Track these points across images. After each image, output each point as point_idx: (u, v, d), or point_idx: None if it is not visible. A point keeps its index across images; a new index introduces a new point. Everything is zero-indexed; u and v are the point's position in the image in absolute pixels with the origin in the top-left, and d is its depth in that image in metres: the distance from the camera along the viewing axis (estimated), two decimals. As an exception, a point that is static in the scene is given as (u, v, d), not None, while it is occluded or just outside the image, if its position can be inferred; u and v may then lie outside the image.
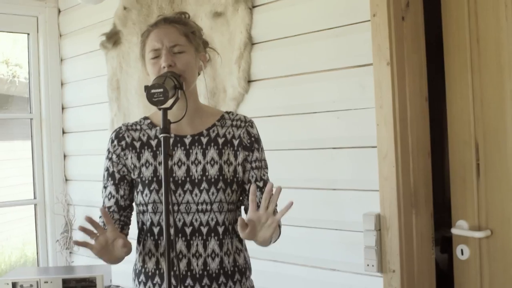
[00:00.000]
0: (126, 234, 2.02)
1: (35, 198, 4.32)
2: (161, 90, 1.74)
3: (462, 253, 2.49)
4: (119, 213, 2.00)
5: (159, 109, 1.77)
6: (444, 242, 2.82)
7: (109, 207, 2.00)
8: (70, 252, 4.19)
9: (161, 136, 1.74)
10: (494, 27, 2.38)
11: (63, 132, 4.36)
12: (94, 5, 3.89)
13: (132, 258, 2.05)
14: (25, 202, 4.38)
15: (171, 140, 1.98)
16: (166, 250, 1.70)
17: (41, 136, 4.31)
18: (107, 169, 2.03)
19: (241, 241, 2.05)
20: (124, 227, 2.02)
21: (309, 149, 2.76)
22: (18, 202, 4.41)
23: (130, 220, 2.05)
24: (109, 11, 3.77)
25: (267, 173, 2.07)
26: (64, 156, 4.36)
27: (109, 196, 2.01)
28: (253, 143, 2.03)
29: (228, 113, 2.09)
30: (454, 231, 2.50)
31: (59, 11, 4.34)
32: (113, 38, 3.72)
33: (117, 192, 2.00)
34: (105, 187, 2.04)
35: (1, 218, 4.63)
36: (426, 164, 2.57)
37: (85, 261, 4.12)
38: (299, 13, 2.78)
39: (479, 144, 2.44)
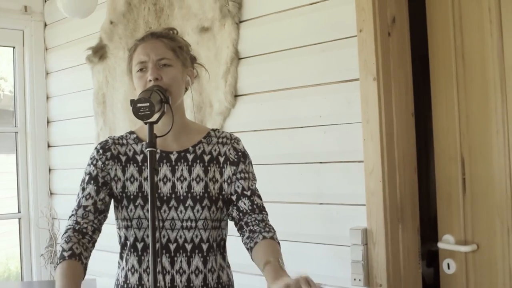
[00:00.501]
0: (95, 241, 1.96)
1: (19, 212, 4.27)
2: (147, 104, 1.73)
3: (448, 267, 2.50)
4: (95, 215, 1.94)
5: (145, 123, 1.76)
6: (430, 256, 2.83)
7: (86, 206, 1.94)
8: (55, 267, 4.13)
9: (147, 150, 1.72)
10: (479, 43, 2.40)
11: (48, 146, 4.33)
12: (80, 19, 3.87)
13: (115, 273, 2.04)
14: (9, 216, 4.33)
15: (157, 156, 1.97)
16: (152, 266, 1.68)
17: (26, 150, 4.27)
18: (90, 173, 1.99)
19: (224, 258, 2.05)
20: (95, 231, 1.95)
21: (296, 164, 2.76)
22: (2, 216, 4.35)
23: (101, 228, 1.99)
24: (95, 25, 3.77)
25: (255, 184, 2.05)
26: (49, 170, 4.32)
27: (87, 196, 1.95)
28: (240, 157, 2.03)
29: (214, 130, 2.09)
30: (440, 245, 2.51)
31: (45, 25, 4.32)
32: (99, 52, 3.71)
33: (97, 194, 1.96)
34: (83, 189, 1.98)
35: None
36: (412, 178, 2.58)
37: (69, 276, 4.08)
38: (285, 28, 2.80)
39: (464, 159, 2.46)
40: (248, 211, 1.99)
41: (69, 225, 1.93)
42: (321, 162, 2.68)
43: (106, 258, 3.72)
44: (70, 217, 1.96)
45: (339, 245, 2.60)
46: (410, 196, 2.56)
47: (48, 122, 4.33)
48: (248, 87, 2.96)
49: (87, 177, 2.00)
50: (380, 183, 2.44)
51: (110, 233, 3.68)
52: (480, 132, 2.41)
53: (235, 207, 2.00)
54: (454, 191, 2.49)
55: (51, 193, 4.29)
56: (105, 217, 2.01)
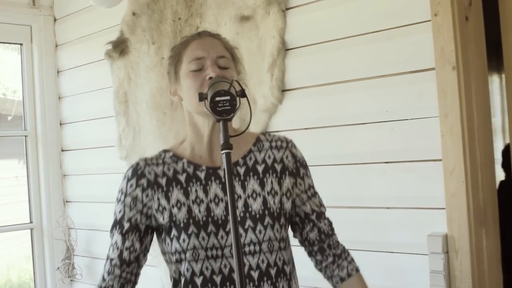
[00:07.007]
0: None
1: (31, 222, 3.96)
2: (228, 97, 1.46)
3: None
4: (121, 268, 1.69)
5: (218, 120, 1.47)
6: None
7: (112, 260, 1.70)
8: (71, 280, 3.85)
9: (222, 152, 1.42)
10: None
11: (62, 150, 4.02)
12: (94, 13, 3.62)
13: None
14: (20, 226, 4.01)
15: (203, 173, 1.69)
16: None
17: (37, 155, 3.96)
18: (116, 214, 1.71)
19: (296, 282, 1.77)
20: (124, 285, 1.70)
21: (357, 164, 2.50)
22: (13, 227, 4.04)
23: (135, 277, 1.73)
24: (113, 18, 3.49)
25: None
26: (63, 175, 4.02)
27: (114, 246, 1.70)
28: (300, 168, 1.75)
29: (264, 134, 1.80)
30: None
31: (55, 20, 4.02)
32: (120, 47, 3.42)
33: (123, 243, 1.68)
34: (112, 234, 1.72)
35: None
36: (492, 178, 2.34)
37: (88, 289, 3.81)
38: (341, 15, 2.54)
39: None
40: (330, 232, 1.79)
41: (99, 282, 1.71)
42: (386, 162, 2.42)
43: None
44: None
45: (412, 254, 2.35)
46: (491, 198, 2.31)
47: (60, 124, 4.02)
48: (297, 81, 2.69)
49: (114, 219, 1.71)
50: (462, 184, 2.18)
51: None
52: None
53: (315, 228, 1.76)
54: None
55: (66, 201, 3.98)
56: (139, 265, 1.73)
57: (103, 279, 1.70)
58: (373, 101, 2.45)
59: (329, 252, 1.76)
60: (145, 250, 1.73)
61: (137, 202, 1.68)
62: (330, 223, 1.80)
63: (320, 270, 1.81)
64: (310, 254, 1.81)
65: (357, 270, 1.79)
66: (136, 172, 1.70)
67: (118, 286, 1.69)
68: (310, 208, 1.76)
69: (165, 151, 1.76)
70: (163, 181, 1.68)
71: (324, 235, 1.77)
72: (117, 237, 1.69)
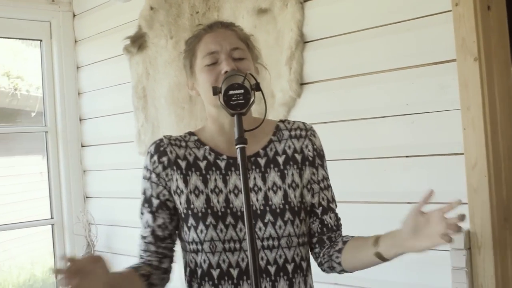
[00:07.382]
0: (167, 269, 1.70)
1: (52, 217, 3.98)
2: (241, 91, 1.45)
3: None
4: (156, 245, 1.68)
5: (232, 114, 1.46)
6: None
7: (145, 237, 1.69)
8: (92, 275, 3.85)
9: (237, 147, 1.41)
10: None
11: (82, 146, 4.03)
12: (112, 8, 3.62)
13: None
14: (41, 222, 4.04)
15: (224, 163, 1.66)
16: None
17: (57, 150, 3.98)
18: (144, 193, 1.69)
19: (311, 278, 1.73)
20: (162, 260, 1.69)
21: (377, 158, 2.46)
22: (34, 222, 4.07)
23: (172, 252, 1.71)
24: (131, 13, 3.48)
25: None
26: (83, 171, 4.03)
27: (146, 225, 1.69)
28: (316, 158, 1.71)
29: (283, 122, 1.76)
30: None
31: (74, 15, 4.03)
32: (138, 42, 3.41)
33: (154, 220, 1.67)
34: (142, 213, 1.70)
35: (7, 236, 4.25)
36: (516, 172, 2.27)
37: (109, 284, 3.80)
38: (360, 6, 2.49)
39: None
40: (334, 227, 1.72)
41: (137, 259, 1.71)
42: (407, 156, 2.37)
43: None
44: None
45: (433, 250, 2.28)
46: (515, 192, 2.25)
47: (80, 120, 4.03)
48: (316, 74, 2.66)
49: (142, 197, 1.70)
50: (485, 179, 2.13)
51: None
52: None
53: (317, 220, 1.71)
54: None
55: (86, 196, 3.99)
56: (172, 241, 1.71)
57: (141, 257, 1.69)
58: (393, 94, 2.40)
59: (328, 243, 1.70)
60: (175, 228, 1.70)
61: (161, 179, 1.67)
62: (337, 219, 1.74)
63: (321, 264, 1.72)
64: (311, 249, 1.74)
65: (353, 236, 1.69)
66: (159, 149, 1.69)
67: (156, 261, 1.68)
68: (318, 201, 1.71)
69: (190, 133, 1.75)
70: (183, 164, 1.67)
71: (327, 229, 1.70)
72: (147, 215, 1.68)
